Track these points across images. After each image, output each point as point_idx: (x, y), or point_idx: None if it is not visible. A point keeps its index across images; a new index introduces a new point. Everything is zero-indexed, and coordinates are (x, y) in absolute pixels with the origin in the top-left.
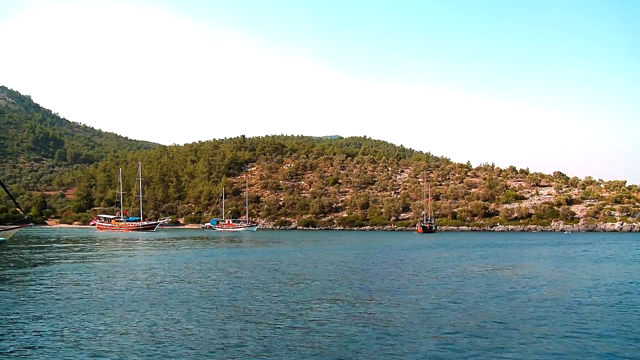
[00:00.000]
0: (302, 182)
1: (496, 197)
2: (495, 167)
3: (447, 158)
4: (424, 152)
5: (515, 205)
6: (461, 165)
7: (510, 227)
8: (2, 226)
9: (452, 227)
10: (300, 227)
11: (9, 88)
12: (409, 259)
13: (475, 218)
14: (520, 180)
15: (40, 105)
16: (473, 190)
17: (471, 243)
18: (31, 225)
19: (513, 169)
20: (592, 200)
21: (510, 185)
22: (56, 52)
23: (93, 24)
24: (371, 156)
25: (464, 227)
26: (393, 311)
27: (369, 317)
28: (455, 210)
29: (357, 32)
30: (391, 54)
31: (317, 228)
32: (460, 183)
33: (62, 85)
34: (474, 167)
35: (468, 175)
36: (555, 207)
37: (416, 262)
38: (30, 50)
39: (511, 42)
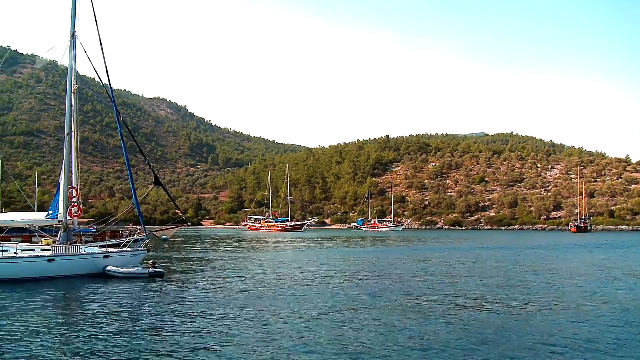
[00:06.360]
0: (447, 181)
1: None
2: None
3: (603, 152)
4: (576, 147)
5: None
6: (619, 160)
7: None
8: (164, 226)
9: (610, 226)
10: (446, 227)
11: (168, 100)
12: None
13: (637, 217)
14: None
15: (195, 114)
16: (634, 186)
17: None
18: (188, 226)
19: None
20: None
21: None
22: (207, 63)
23: (238, 33)
24: (519, 153)
25: (623, 227)
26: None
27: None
28: (612, 208)
29: (498, 22)
30: (534, 43)
31: (463, 228)
32: (618, 179)
33: (213, 95)
34: (634, 161)
35: (627, 171)
36: None
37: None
38: (186, 63)
39: None
